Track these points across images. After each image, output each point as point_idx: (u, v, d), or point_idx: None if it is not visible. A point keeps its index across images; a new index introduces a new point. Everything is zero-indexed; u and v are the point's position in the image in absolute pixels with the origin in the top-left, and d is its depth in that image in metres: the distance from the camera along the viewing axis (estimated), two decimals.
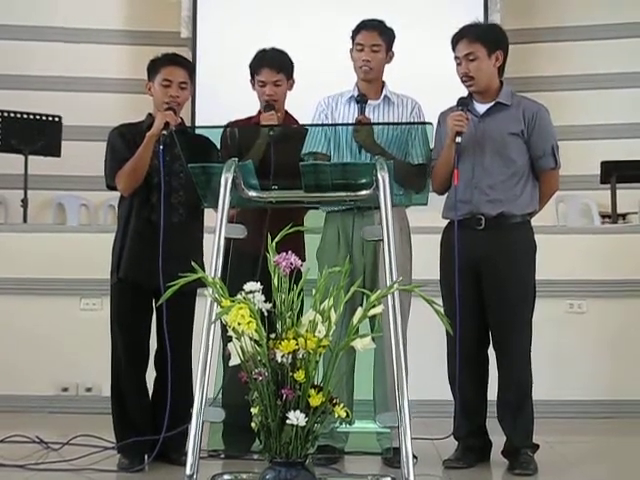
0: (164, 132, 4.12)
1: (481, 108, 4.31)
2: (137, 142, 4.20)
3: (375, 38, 4.44)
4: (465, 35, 4.27)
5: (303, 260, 3.22)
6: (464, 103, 4.26)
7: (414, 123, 4.46)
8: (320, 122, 4.52)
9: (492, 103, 4.30)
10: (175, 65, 4.32)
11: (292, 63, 4.57)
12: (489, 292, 4.24)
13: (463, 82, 4.30)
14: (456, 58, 4.29)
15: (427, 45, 7.62)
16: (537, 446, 4.25)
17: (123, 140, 4.28)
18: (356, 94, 4.48)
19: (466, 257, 4.16)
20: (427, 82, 7.08)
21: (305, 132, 4.46)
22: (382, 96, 4.50)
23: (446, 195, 4.39)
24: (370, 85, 4.48)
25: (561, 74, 8.38)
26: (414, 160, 4.33)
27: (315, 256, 4.42)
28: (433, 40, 7.61)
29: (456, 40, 4.29)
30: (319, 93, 4.63)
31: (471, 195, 4.22)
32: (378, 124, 4.42)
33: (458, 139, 4.16)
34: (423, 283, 3.14)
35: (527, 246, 4.30)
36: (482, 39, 4.25)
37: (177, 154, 4.11)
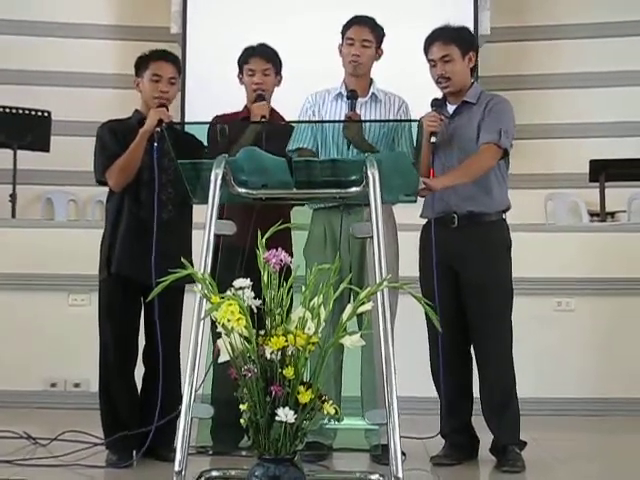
0: (157, 129, 4.12)
1: (452, 109, 4.35)
2: (127, 138, 4.19)
3: (366, 33, 4.45)
4: (439, 37, 4.31)
5: (291, 257, 3.22)
6: (437, 104, 4.31)
7: (403, 120, 4.47)
8: (307, 118, 4.52)
9: (458, 103, 4.33)
10: (164, 60, 4.32)
11: (280, 60, 4.61)
12: (465, 291, 4.26)
13: (438, 84, 4.34)
14: (431, 61, 4.32)
15: (416, 44, 7.61)
16: (524, 443, 4.26)
17: (113, 136, 4.27)
18: (344, 91, 4.48)
19: (441, 256, 4.20)
20: (415, 80, 7.08)
21: (292, 129, 4.47)
22: (370, 93, 4.51)
23: None
24: (358, 81, 4.48)
25: (550, 72, 8.40)
26: None
27: (302, 253, 4.42)
28: (422, 39, 7.63)
29: (429, 43, 4.33)
30: (308, 90, 4.62)
31: (442, 194, 4.22)
32: (367, 121, 4.43)
33: (433, 139, 4.19)
34: (411, 281, 3.14)
35: (501, 244, 4.30)
36: (456, 41, 4.30)
37: (166, 150, 4.11)
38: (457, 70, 4.29)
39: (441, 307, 4.08)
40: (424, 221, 4.39)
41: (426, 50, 4.34)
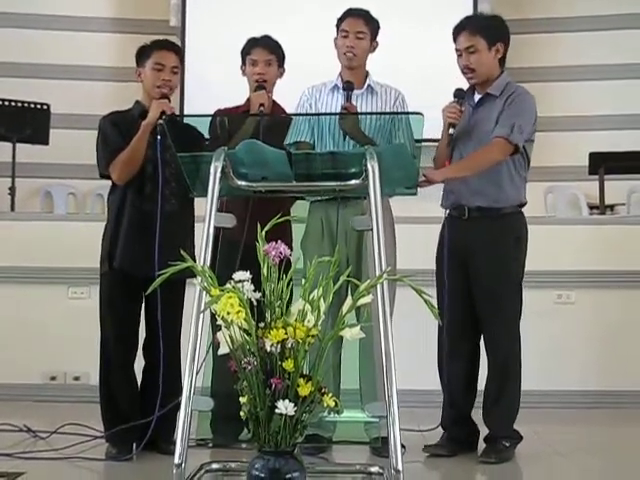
0: (160, 121, 4.11)
1: (477, 99, 4.33)
2: (129, 130, 4.18)
3: (360, 25, 4.44)
4: (466, 27, 4.27)
5: (290, 250, 3.22)
6: (459, 95, 4.26)
7: (403, 113, 4.46)
8: (304, 111, 4.52)
9: (482, 94, 4.30)
10: (167, 50, 4.31)
11: (283, 52, 4.60)
12: (473, 282, 4.26)
13: (464, 74, 4.30)
14: (457, 50, 4.29)
15: (418, 36, 7.62)
16: (519, 437, 4.25)
17: (115, 129, 4.25)
18: (339, 83, 4.48)
19: (453, 247, 4.22)
20: (416, 73, 7.08)
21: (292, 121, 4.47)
22: (366, 85, 4.50)
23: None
24: (353, 73, 4.47)
25: (550, 65, 8.38)
26: None
27: (299, 246, 4.42)
28: (424, 31, 7.63)
29: (457, 32, 4.29)
30: (307, 83, 4.62)
31: (454, 185, 4.22)
32: (364, 113, 4.41)
33: (451, 130, 4.17)
34: (410, 273, 3.13)
35: (511, 236, 4.27)
36: (483, 32, 4.25)
37: (168, 144, 4.10)
38: (482, 61, 4.24)
39: (452, 298, 4.10)
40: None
41: (454, 39, 4.30)
